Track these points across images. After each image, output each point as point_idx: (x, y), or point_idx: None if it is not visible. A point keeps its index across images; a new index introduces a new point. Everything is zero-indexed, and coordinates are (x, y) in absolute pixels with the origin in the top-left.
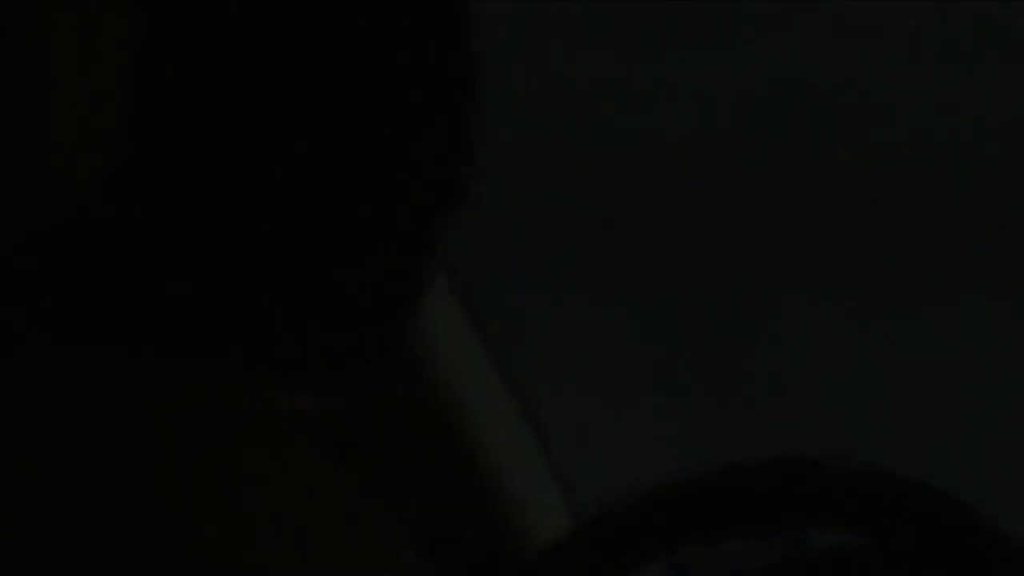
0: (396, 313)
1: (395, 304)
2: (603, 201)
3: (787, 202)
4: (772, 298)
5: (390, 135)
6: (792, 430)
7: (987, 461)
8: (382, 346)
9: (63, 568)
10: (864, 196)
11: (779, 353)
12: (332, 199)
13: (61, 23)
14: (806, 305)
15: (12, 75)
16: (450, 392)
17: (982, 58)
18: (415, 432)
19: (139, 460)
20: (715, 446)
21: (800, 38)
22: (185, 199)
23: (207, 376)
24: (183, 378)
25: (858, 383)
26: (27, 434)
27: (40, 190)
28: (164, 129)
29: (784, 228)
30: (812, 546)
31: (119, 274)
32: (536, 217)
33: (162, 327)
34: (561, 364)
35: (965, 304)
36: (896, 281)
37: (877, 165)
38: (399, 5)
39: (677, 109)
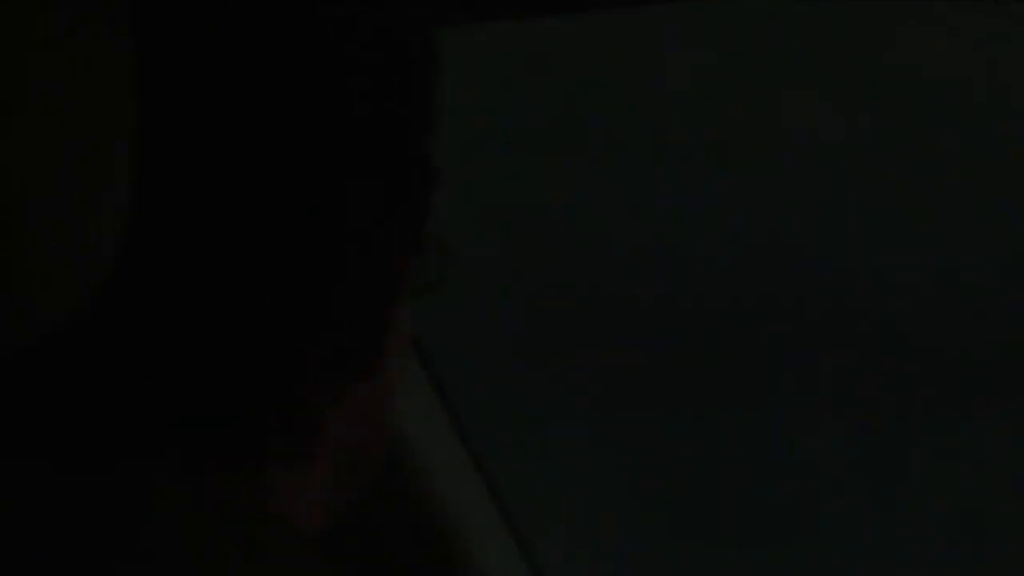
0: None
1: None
2: (587, 320)
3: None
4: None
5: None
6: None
7: None
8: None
9: None
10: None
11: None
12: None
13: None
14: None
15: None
16: (426, 485)
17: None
18: (390, 516)
19: None
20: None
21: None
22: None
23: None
24: (160, 490)
25: (838, 508)
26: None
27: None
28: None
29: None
30: None
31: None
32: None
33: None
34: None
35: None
36: (880, 409)
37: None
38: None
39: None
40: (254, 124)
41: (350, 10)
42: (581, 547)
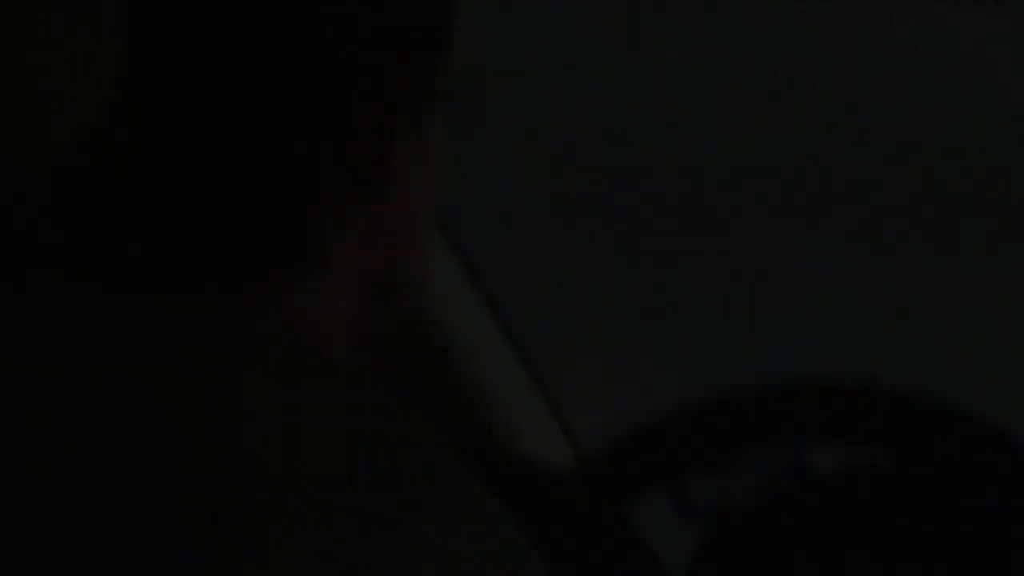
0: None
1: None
2: (598, 174)
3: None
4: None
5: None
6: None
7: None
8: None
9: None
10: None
11: (770, 287)
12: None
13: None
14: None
15: None
16: (453, 341)
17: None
18: (418, 370)
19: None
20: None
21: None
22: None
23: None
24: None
25: (855, 318)
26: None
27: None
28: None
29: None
30: (815, 470)
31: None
32: (533, 187)
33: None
34: (560, 317)
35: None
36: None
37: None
38: None
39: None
40: None
41: None
42: (597, 382)
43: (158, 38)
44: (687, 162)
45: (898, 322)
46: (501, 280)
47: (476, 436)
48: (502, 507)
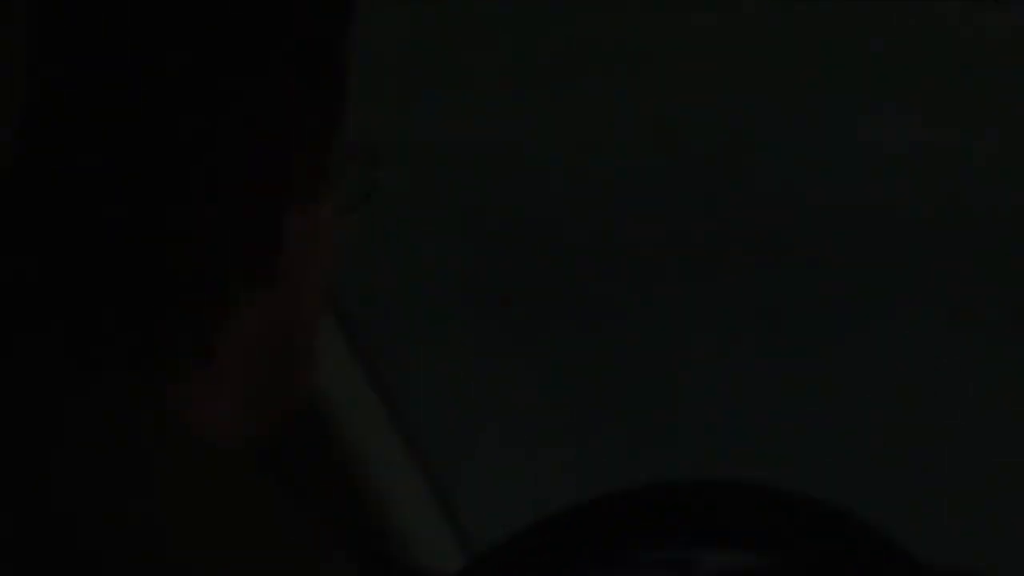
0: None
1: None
2: (497, 245)
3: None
4: (661, 330)
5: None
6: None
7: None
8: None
9: None
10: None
11: (673, 386)
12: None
13: None
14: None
15: None
16: (340, 432)
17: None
18: (302, 464)
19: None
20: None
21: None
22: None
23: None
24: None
25: (753, 410)
26: None
27: None
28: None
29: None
30: (705, 570)
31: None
32: (435, 265)
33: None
34: (454, 402)
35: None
36: (773, 313)
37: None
38: None
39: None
40: (132, 25)
41: None
42: (500, 500)
43: (54, 115)
44: (587, 245)
45: (791, 420)
46: (396, 371)
47: (360, 532)
48: None
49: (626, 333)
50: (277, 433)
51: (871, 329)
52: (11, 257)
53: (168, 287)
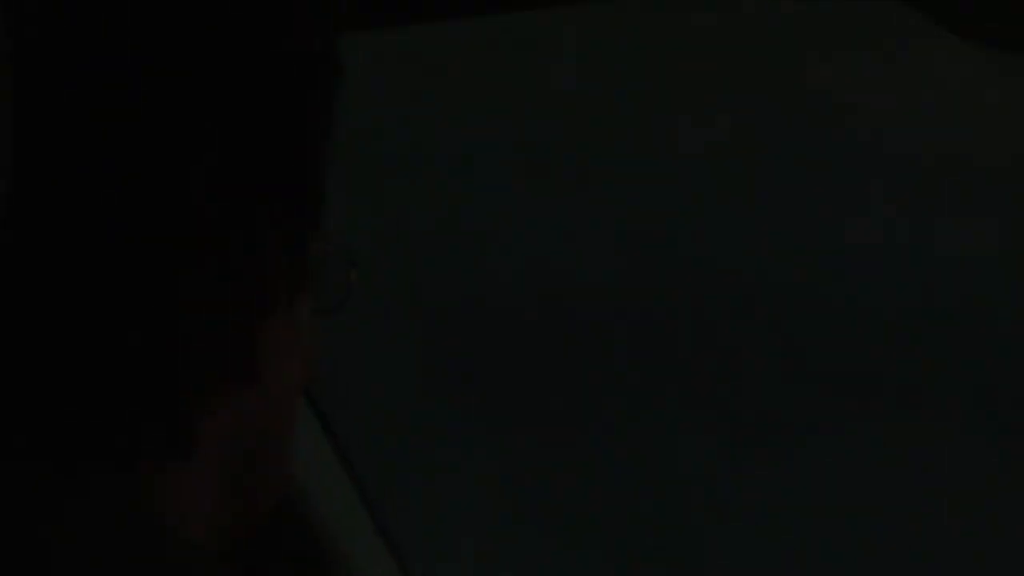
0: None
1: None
2: (461, 335)
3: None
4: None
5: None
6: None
7: None
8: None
9: None
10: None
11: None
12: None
13: None
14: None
15: None
16: (318, 522)
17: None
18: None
19: None
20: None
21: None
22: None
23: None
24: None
25: (732, 523)
26: None
27: None
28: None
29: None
30: None
31: None
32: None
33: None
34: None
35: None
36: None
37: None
38: None
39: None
40: (109, 129)
41: (235, 14)
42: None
43: (32, 202)
44: (552, 330)
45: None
46: (367, 458)
47: None
48: None
49: (604, 414)
50: (258, 529)
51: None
52: None
53: (146, 386)
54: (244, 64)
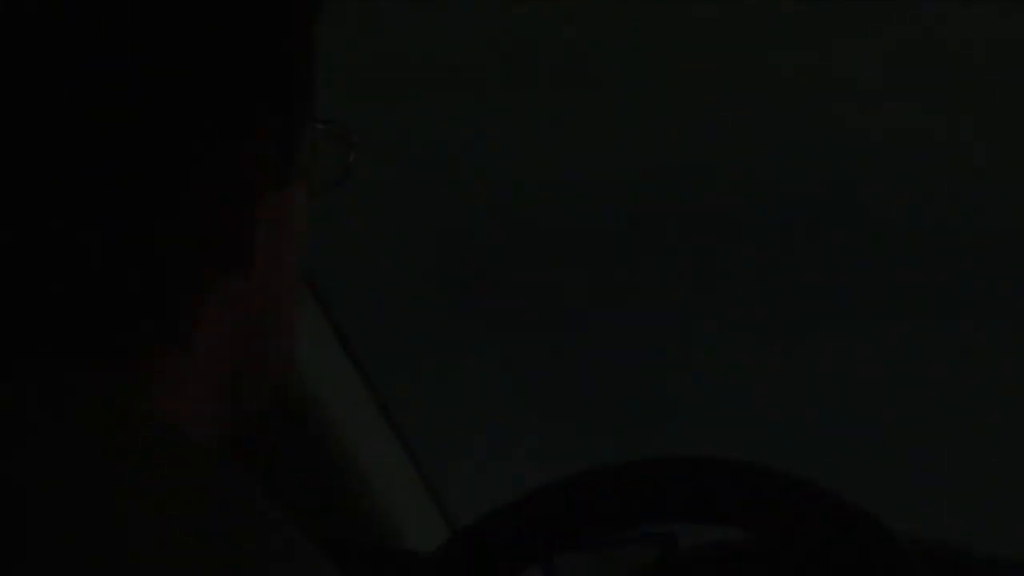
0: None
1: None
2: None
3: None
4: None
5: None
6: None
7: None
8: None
9: None
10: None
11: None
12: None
13: None
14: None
15: None
16: (324, 415)
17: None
18: (286, 448)
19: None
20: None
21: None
22: None
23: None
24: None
25: (742, 407)
26: None
27: None
28: None
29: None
30: (685, 546)
31: None
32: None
33: None
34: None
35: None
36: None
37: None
38: None
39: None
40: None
41: None
42: (488, 485)
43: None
44: (570, 237)
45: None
46: (377, 354)
47: (347, 518)
48: None
49: (616, 327)
50: (261, 422)
51: (870, 325)
52: None
53: (138, 273)
54: None
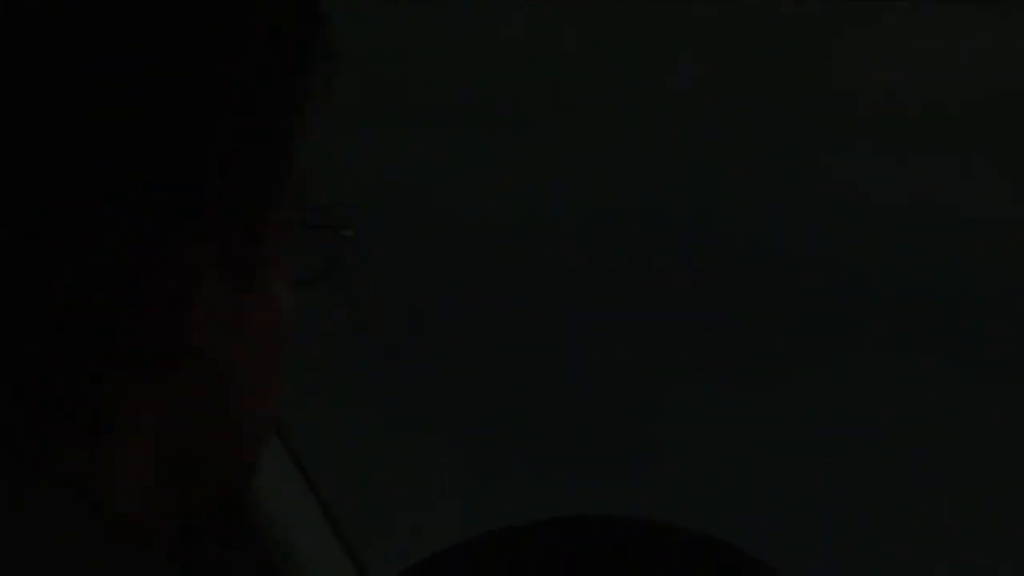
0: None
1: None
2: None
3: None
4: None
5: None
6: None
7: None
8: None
9: None
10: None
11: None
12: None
13: None
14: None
15: None
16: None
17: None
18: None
19: None
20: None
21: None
22: None
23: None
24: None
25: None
26: None
27: None
28: None
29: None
30: None
31: None
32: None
33: None
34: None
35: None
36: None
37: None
38: None
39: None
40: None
41: None
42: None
43: None
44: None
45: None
46: (313, 440)
47: None
48: None
49: (585, 368)
50: (213, 512)
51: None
52: None
53: (63, 365)
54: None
